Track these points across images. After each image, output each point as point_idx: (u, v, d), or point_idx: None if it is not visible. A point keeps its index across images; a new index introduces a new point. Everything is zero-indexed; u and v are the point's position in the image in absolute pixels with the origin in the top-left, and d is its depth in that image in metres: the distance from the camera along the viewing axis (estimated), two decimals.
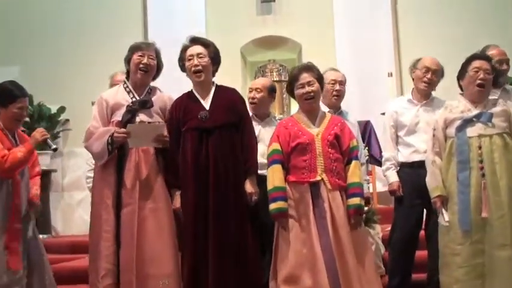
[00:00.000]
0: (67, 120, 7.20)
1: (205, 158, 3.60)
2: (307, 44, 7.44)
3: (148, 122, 3.75)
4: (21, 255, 3.62)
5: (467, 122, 3.58)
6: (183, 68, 3.83)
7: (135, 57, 3.79)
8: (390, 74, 7.11)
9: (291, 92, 3.70)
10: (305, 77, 3.60)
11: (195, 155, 3.62)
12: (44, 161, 6.73)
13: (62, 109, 7.14)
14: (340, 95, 4.22)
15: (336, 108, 4.21)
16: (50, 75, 7.30)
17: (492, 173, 3.49)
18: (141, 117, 3.74)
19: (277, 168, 3.53)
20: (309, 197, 3.47)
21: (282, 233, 3.50)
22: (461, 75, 3.73)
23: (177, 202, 3.66)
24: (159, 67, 3.90)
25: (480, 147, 3.52)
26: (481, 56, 3.73)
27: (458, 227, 3.50)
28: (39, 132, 3.72)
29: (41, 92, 6.86)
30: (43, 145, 3.77)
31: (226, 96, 3.80)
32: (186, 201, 3.62)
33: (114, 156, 3.69)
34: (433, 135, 3.71)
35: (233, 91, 3.95)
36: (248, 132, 3.76)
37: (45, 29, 7.48)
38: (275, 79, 6.98)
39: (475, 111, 3.62)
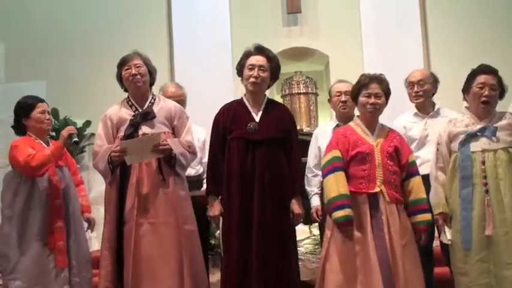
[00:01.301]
0: (93, 134, 7.08)
1: (251, 170, 3.60)
2: (335, 55, 7.43)
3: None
4: (66, 253, 3.81)
5: (471, 137, 3.54)
6: (239, 73, 3.83)
7: (123, 72, 3.84)
8: None
9: (355, 97, 3.68)
10: (375, 87, 3.60)
11: (241, 165, 3.62)
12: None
13: (87, 123, 7.18)
14: (347, 106, 4.30)
15: (345, 120, 4.27)
16: (75, 89, 7.38)
17: (496, 189, 3.44)
18: (144, 129, 3.73)
19: (341, 175, 3.49)
20: (367, 208, 3.45)
21: (335, 243, 3.47)
22: (466, 90, 3.69)
23: (216, 210, 3.67)
24: (150, 72, 3.90)
25: (484, 163, 3.48)
26: (487, 69, 3.64)
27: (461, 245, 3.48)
28: (66, 129, 3.92)
29: (66, 106, 6.99)
30: (67, 141, 3.87)
31: (277, 112, 3.80)
32: (230, 211, 3.61)
33: (117, 173, 3.71)
34: (437, 150, 3.70)
35: (284, 107, 4.02)
36: (296, 151, 3.75)
37: (71, 42, 7.55)
38: (302, 91, 6.99)
39: (479, 125, 3.57)
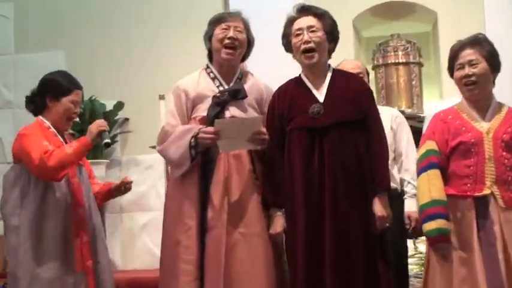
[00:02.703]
0: (126, 119, 6.98)
1: (320, 167, 3.39)
2: (445, 11, 6.91)
3: None
4: (94, 276, 3.73)
5: None
6: (287, 46, 3.62)
7: (218, 31, 3.64)
8: None
9: (451, 73, 3.50)
10: (467, 54, 3.39)
11: (305, 162, 3.42)
12: (98, 172, 6.42)
13: (119, 105, 6.80)
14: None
15: None
16: (103, 62, 7.00)
17: None
18: (232, 111, 3.58)
19: (435, 175, 3.34)
20: (473, 217, 3.27)
21: (434, 266, 3.34)
22: None
23: (278, 226, 3.49)
24: (249, 42, 3.71)
25: None
26: None
27: None
28: (96, 124, 3.68)
29: (92, 83, 6.33)
30: (97, 140, 3.68)
31: (348, 85, 3.57)
32: (295, 225, 3.44)
33: (197, 163, 3.50)
34: None
35: (357, 78, 3.79)
36: (376, 136, 3.51)
37: (99, 6, 7.24)
38: (401, 61, 6.72)
39: None
